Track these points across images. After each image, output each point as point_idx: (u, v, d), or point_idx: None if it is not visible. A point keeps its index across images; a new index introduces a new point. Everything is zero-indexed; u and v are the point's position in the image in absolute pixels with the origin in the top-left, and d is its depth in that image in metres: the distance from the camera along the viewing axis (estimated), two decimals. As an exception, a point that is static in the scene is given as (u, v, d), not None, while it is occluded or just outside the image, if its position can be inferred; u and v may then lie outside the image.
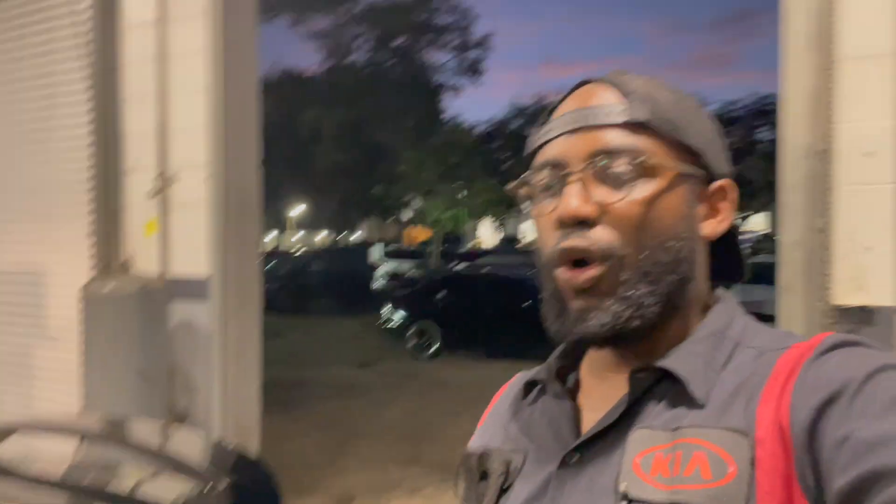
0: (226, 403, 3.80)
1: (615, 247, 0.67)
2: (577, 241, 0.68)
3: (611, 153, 0.68)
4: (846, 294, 2.38)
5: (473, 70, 29.51)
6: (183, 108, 3.86)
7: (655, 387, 0.68)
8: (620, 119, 0.69)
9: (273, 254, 24.01)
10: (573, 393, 0.75)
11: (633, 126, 0.69)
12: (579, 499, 0.67)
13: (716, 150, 0.74)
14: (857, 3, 2.40)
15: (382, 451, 6.02)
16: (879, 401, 0.56)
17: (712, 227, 0.73)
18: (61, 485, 1.87)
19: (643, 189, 0.68)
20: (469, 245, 35.00)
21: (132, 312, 3.51)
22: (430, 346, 11.03)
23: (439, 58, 30.18)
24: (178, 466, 1.71)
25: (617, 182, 0.68)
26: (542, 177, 0.72)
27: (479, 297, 11.15)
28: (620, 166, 0.68)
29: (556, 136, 0.71)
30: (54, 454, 2.14)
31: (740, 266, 0.79)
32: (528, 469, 0.72)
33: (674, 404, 0.66)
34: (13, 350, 4.56)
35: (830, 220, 2.36)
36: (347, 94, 26.53)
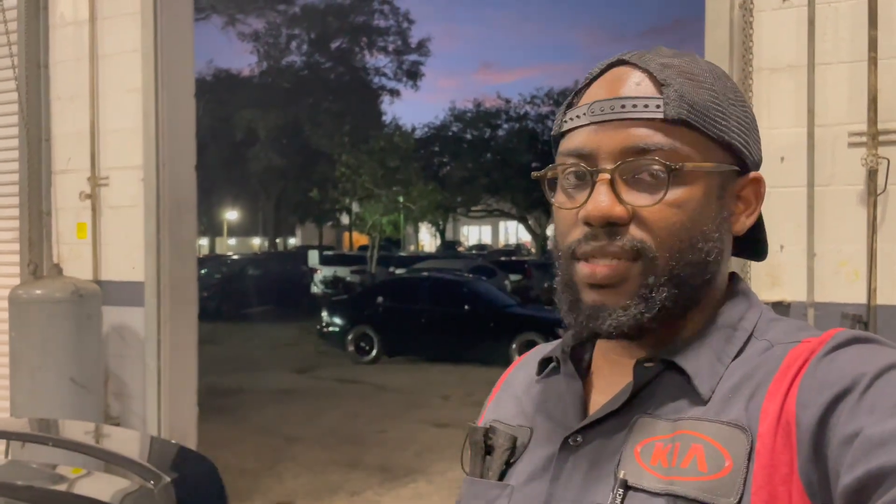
0: (162, 409, 3.74)
1: (647, 247, 0.65)
2: (606, 243, 0.65)
3: (644, 152, 0.65)
4: (763, 290, 2.53)
5: (412, 74, 29.61)
6: (115, 109, 3.79)
7: (662, 375, 0.68)
8: (656, 115, 0.65)
9: (208, 259, 23.48)
10: (586, 372, 0.75)
11: (669, 122, 0.65)
12: (578, 481, 0.66)
13: (751, 141, 0.70)
14: (772, 18, 2.57)
15: (321, 455, 5.99)
16: (890, 398, 0.55)
17: (742, 222, 0.71)
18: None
19: (677, 192, 0.65)
20: (409, 250, 35.00)
21: (63, 317, 3.41)
22: (369, 351, 11.01)
23: (378, 61, 30.18)
24: (118, 462, 1.70)
25: (650, 183, 0.65)
26: (569, 166, 0.69)
27: (418, 302, 11.20)
28: (654, 166, 0.65)
29: (585, 125, 0.68)
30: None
31: (763, 246, 0.77)
32: (534, 446, 0.72)
33: (678, 395, 0.66)
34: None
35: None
36: (284, 96, 26.21)
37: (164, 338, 3.73)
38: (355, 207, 24.01)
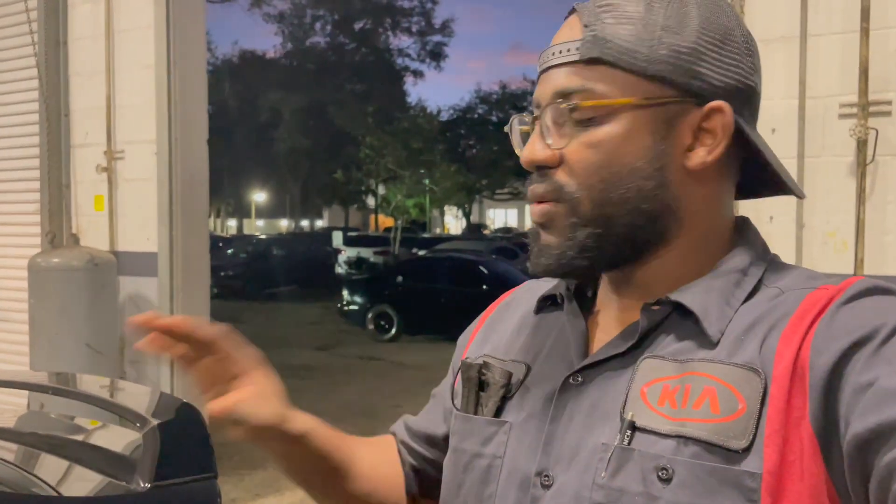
0: (174, 376, 3.87)
1: (569, 190, 0.66)
2: (535, 187, 0.68)
3: (564, 95, 0.66)
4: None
5: (435, 55, 29.54)
6: (130, 85, 3.90)
7: (668, 318, 0.66)
8: (573, 57, 0.66)
9: (235, 239, 23.81)
10: (590, 310, 0.74)
11: (586, 63, 0.66)
12: (580, 421, 0.65)
13: (705, 67, 0.65)
14: (767, -11, 2.57)
15: (336, 426, 6.12)
16: None
17: (701, 158, 0.66)
18: (10, 434, 1.95)
19: (597, 132, 0.65)
20: (435, 232, 35.07)
21: (80, 285, 3.55)
22: (389, 329, 11.15)
23: (401, 42, 30.11)
24: (125, 415, 1.81)
25: (571, 125, 0.66)
26: (524, 116, 0.73)
27: (437, 282, 11.28)
28: (573, 108, 0.66)
29: (540, 74, 0.71)
30: (4, 406, 2.21)
31: (776, 180, 0.71)
32: (531, 383, 0.72)
33: (686, 337, 0.64)
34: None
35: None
36: (308, 78, 26.32)
37: (177, 307, 3.85)
38: (380, 189, 24.12)
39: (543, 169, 0.67)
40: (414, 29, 28.95)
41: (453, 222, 45.91)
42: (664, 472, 0.59)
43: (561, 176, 0.67)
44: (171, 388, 3.84)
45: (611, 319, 0.71)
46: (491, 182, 29.01)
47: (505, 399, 0.72)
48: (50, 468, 1.81)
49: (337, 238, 22.81)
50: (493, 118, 28.76)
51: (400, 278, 11.61)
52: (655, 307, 0.66)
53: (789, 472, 0.57)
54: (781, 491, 0.56)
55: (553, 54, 0.68)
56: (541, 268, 0.68)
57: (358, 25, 28.32)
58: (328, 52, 28.26)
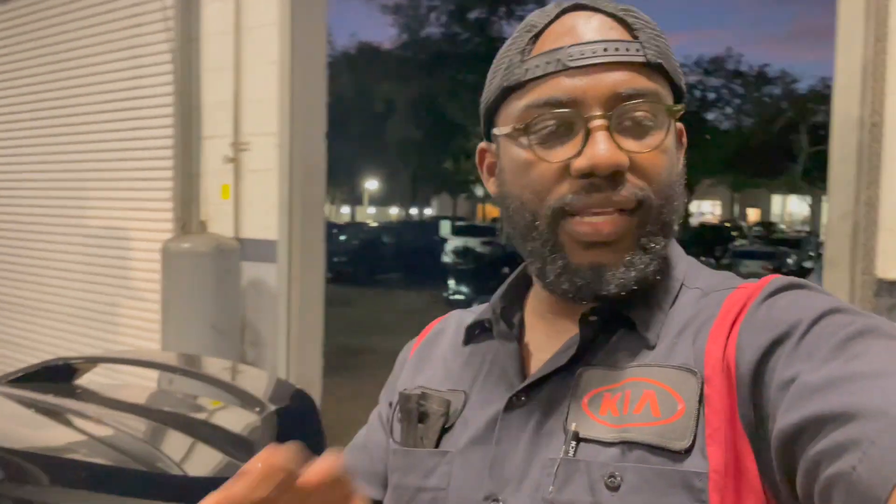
0: (290, 359, 4.04)
1: (646, 196, 0.63)
2: (610, 193, 0.62)
3: (633, 97, 0.63)
4: (890, 268, 2.37)
5: (550, 45, 29.03)
6: (256, 79, 4.07)
7: (604, 328, 0.67)
8: (637, 58, 0.64)
9: (347, 226, 24.54)
10: (518, 334, 0.73)
11: (650, 67, 0.64)
12: (526, 439, 0.64)
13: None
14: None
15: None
16: (827, 344, 0.55)
17: (683, 170, 0.71)
18: (142, 410, 2.11)
19: (663, 137, 0.64)
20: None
21: (207, 269, 3.77)
22: (494, 319, 11.17)
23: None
24: (244, 398, 1.91)
25: (638, 130, 0.64)
26: (545, 117, 0.64)
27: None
28: (642, 112, 0.63)
29: (561, 71, 0.64)
30: (137, 383, 2.39)
31: None
32: (471, 410, 0.70)
33: (624, 345, 0.65)
34: (101, 304, 4.95)
35: (878, 193, 2.35)
36: (422, 68, 26.66)
37: (294, 293, 4.01)
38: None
39: (618, 175, 0.62)
40: (528, 17, 28.61)
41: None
42: (612, 479, 0.58)
43: (636, 181, 0.63)
44: (287, 372, 4.01)
45: (545, 338, 0.70)
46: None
47: (445, 429, 0.70)
48: (175, 444, 1.93)
49: (444, 227, 23.07)
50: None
51: (506, 269, 11.60)
52: (592, 318, 0.66)
53: (732, 469, 0.57)
54: (727, 488, 0.56)
55: (605, 50, 0.63)
56: (614, 288, 0.63)
57: (472, 15, 28.37)
58: (442, 42, 28.50)
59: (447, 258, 19.63)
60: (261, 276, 4.09)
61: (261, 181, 4.08)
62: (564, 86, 0.63)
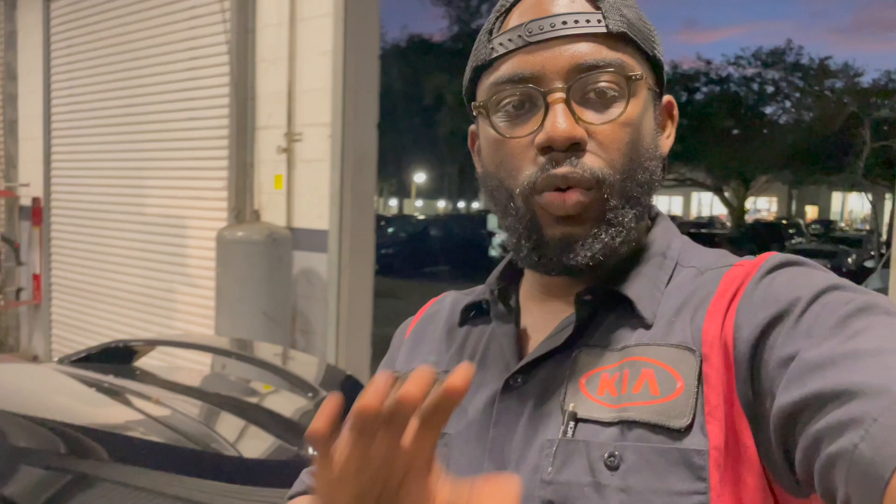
0: (339, 347, 4.09)
1: (606, 172, 0.63)
2: (568, 169, 0.62)
3: (594, 68, 0.62)
4: None
5: (602, 37, 28.68)
6: (309, 70, 4.12)
7: (600, 308, 0.66)
8: (598, 29, 0.63)
9: (395, 218, 24.69)
10: (514, 315, 0.72)
11: (613, 37, 0.63)
12: (524, 421, 0.64)
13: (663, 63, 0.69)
14: None
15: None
16: (826, 321, 0.55)
17: (665, 144, 0.70)
18: (197, 392, 2.16)
19: (628, 109, 0.63)
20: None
21: (260, 257, 3.84)
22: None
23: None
24: (295, 383, 1.94)
25: (602, 101, 0.63)
26: (507, 94, 0.65)
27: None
28: (605, 83, 0.63)
29: (521, 47, 0.64)
30: (191, 366, 2.45)
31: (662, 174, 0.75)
32: (468, 392, 0.69)
33: (620, 325, 0.64)
34: (158, 289, 5.09)
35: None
36: (472, 62, 26.57)
37: (344, 283, 4.05)
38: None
39: (572, 148, 0.62)
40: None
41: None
42: (612, 458, 0.58)
43: (591, 158, 0.63)
44: (336, 360, 4.06)
45: (541, 319, 0.70)
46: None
47: None
48: (229, 426, 1.97)
49: (492, 221, 22.99)
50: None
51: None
52: (587, 297, 0.65)
53: (732, 446, 0.57)
54: (726, 466, 0.56)
55: (564, 23, 0.63)
56: (583, 259, 0.63)
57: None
58: (492, 34, 28.36)
59: (495, 252, 19.58)
60: (312, 266, 4.15)
61: (313, 171, 4.13)
62: (525, 61, 0.64)
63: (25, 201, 6.30)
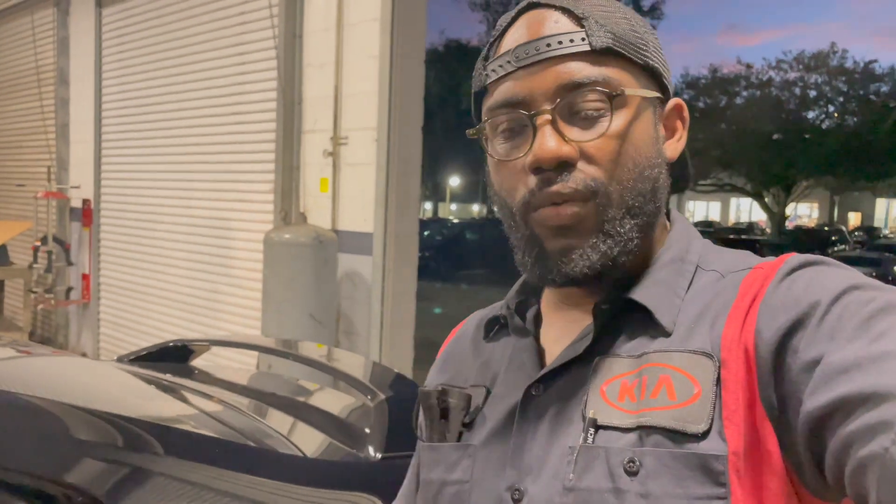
0: (382, 349, 4.11)
1: (599, 183, 0.64)
2: (560, 186, 0.64)
3: (579, 86, 0.64)
4: None
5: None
6: (356, 75, 4.16)
7: (619, 316, 0.67)
8: (582, 48, 0.65)
9: (431, 221, 24.76)
10: (535, 327, 0.74)
11: (597, 53, 0.65)
12: (545, 429, 0.65)
13: (667, 68, 0.71)
14: None
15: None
16: (848, 323, 0.54)
17: (673, 148, 0.71)
18: (252, 392, 2.20)
19: (616, 122, 0.65)
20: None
21: (305, 259, 3.88)
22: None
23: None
24: (343, 379, 1.96)
25: (589, 118, 0.65)
26: (501, 119, 0.68)
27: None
28: (590, 101, 0.64)
29: (511, 72, 0.66)
30: (241, 365, 2.49)
31: (686, 176, 0.77)
32: (491, 404, 0.71)
33: (639, 333, 0.65)
34: (206, 290, 5.18)
35: None
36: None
37: (388, 286, 4.08)
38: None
39: (562, 166, 0.64)
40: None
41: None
42: (631, 464, 0.58)
43: (587, 171, 0.64)
44: (379, 362, 4.09)
45: (561, 329, 0.71)
46: (693, 172, 27.50)
47: (465, 424, 0.72)
48: (283, 425, 1.99)
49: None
50: (700, 104, 27.19)
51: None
52: (605, 306, 0.66)
53: (751, 452, 0.57)
54: (746, 470, 0.56)
55: (548, 46, 0.65)
56: (581, 269, 0.65)
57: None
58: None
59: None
60: (356, 268, 4.18)
61: (358, 175, 4.17)
62: (512, 87, 0.67)
63: (76, 203, 6.47)
